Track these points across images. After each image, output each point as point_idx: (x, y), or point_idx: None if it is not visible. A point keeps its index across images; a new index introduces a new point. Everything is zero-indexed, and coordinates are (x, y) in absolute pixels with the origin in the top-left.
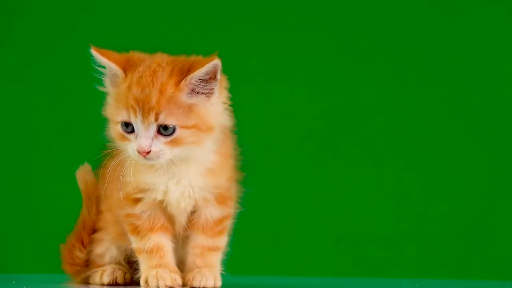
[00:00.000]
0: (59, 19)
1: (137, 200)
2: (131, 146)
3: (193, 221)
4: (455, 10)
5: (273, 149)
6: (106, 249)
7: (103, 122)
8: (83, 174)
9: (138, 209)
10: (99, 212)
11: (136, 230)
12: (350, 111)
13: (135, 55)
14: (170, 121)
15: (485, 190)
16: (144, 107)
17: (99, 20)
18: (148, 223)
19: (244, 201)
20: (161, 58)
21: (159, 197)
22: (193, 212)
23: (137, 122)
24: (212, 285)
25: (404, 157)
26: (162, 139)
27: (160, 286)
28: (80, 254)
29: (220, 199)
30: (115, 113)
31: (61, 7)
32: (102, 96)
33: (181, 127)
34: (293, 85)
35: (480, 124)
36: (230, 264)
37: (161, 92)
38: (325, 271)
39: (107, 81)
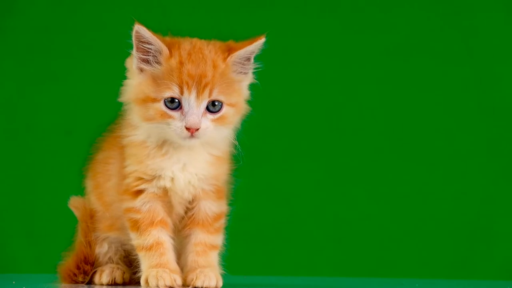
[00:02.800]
0: (59, 19)
1: (138, 193)
2: (175, 124)
3: (193, 216)
4: (455, 10)
5: (273, 149)
6: (101, 248)
7: (102, 121)
8: (77, 202)
9: (138, 201)
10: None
11: (136, 226)
12: (351, 111)
13: (168, 37)
14: (220, 97)
15: (485, 190)
16: (200, 83)
17: (99, 20)
18: (148, 216)
19: (245, 201)
20: (197, 39)
21: (168, 184)
22: (191, 209)
23: (189, 98)
24: (215, 285)
25: (404, 157)
26: (210, 116)
27: (159, 286)
28: (84, 280)
29: (218, 193)
30: (156, 90)
31: (61, 7)
32: (102, 97)
33: (227, 104)
34: (293, 84)
35: (480, 124)
36: (230, 264)
37: (214, 67)
38: (325, 271)
39: (139, 59)
